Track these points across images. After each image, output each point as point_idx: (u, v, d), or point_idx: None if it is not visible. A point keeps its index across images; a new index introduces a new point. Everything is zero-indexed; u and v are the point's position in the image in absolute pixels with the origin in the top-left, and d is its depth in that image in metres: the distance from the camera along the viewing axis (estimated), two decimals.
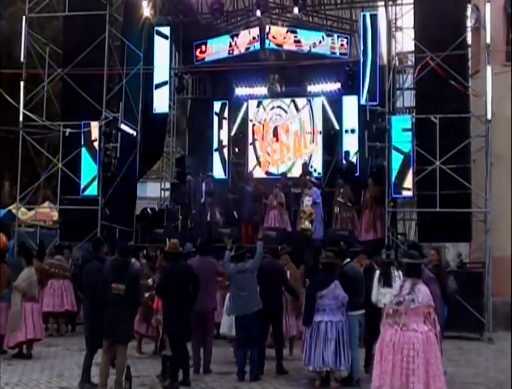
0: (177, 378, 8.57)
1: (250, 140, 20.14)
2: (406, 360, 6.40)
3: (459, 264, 15.75)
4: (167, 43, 18.37)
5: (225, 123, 20.33)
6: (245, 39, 18.84)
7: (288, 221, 16.35)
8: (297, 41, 18.45)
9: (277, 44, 18.68)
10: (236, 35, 19.18)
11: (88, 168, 15.84)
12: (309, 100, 19.57)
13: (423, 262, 6.99)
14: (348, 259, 9.44)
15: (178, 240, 9.37)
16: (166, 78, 18.30)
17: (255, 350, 9.36)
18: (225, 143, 20.22)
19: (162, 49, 18.30)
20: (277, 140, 19.91)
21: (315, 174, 18.63)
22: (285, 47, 18.77)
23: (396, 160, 14.58)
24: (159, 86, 18.14)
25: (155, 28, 18.30)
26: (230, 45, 18.98)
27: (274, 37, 18.58)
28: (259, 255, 9.58)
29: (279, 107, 19.92)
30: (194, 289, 8.73)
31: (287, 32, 18.66)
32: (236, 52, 18.93)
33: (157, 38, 18.29)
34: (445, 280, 9.27)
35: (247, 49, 18.80)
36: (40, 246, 14.23)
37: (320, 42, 18.10)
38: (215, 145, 20.29)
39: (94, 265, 8.66)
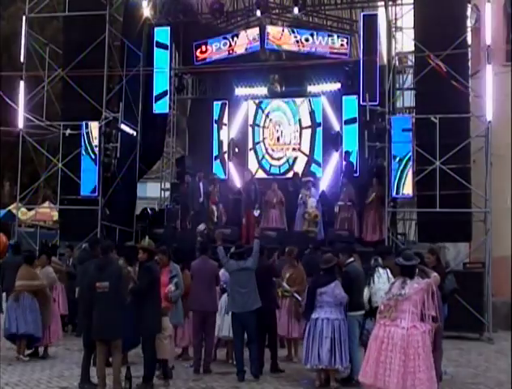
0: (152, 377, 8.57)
1: (250, 140, 20.15)
2: (384, 354, 6.56)
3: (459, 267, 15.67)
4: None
5: (225, 123, 20.33)
6: (245, 39, 18.82)
7: (285, 221, 16.43)
8: (297, 41, 18.43)
9: (277, 45, 18.66)
10: (236, 35, 19.15)
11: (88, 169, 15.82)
12: (309, 100, 19.55)
13: (416, 264, 7.01)
14: (352, 259, 9.40)
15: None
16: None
17: (255, 349, 9.36)
18: (225, 143, 20.20)
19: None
20: (277, 140, 19.92)
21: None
22: (285, 47, 18.76)
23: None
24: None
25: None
26: (230, 46, 18.97)
27: (274, 38, 18.56)
28: (256, 253, 9.58)
29: (279, 107, 19.91)
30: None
31: (288, 32, 18.65)
32: (235, 52, 18.90)
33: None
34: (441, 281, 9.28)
35: (247, 49, 18.78)
36: (43, 247, 14.24)
37: (320, 42, 18.07)
38: (215, 145, 20.27)
39: (89, 264, 8.64)
